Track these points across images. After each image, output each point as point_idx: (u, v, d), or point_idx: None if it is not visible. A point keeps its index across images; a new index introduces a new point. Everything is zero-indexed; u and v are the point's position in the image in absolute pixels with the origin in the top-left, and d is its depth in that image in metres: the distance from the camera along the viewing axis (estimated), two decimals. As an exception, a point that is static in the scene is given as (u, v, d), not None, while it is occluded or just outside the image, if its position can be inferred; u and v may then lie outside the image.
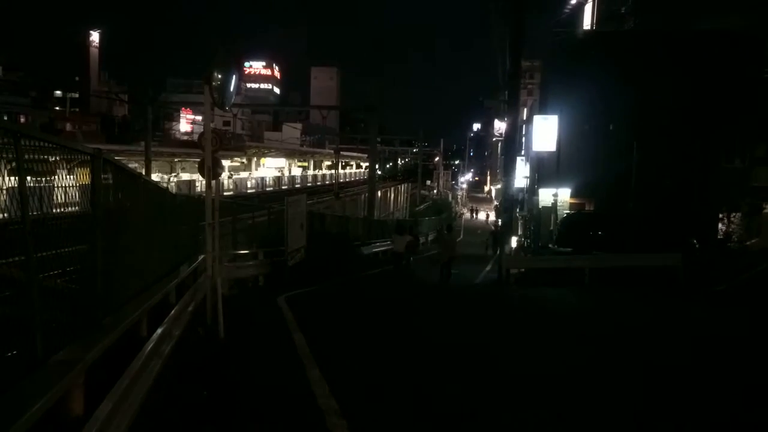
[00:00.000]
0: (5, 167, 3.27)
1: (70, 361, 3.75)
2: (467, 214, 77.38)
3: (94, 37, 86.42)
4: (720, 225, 24.98)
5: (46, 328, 3.66)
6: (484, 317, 12.33)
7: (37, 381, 3.33)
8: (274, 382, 6.53)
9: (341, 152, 59.53)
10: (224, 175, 48.86)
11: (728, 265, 17.26)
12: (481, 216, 73.05)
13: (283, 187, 55.62)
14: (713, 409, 5.89)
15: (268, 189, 52.76)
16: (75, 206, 4.51)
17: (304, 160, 74.86)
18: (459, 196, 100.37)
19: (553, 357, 8.13)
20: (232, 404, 5.69)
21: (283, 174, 65.42)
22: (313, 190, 49.05)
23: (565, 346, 8.88)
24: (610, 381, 6.92)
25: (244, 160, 55.83)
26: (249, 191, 49.38)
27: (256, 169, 62.76)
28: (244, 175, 56.87)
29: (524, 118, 40.98)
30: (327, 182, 64.35)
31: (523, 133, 38.24)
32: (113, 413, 3.84)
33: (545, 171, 28.53)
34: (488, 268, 24.71)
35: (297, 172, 71.44)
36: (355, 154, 77.24)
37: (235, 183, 49.70)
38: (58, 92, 78.08)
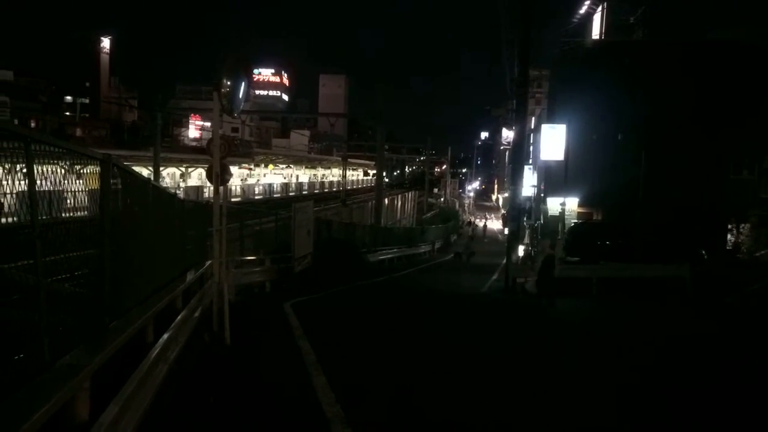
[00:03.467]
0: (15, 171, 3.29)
1: (77, 365, 3.76)
2: (478, 222, 75.78)
3: (105, 43, 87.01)
4: (729, 236, 24.83)
5: (53, 332, 3.66)
6: (492, 325, 12.28)
7: (44, 384, 3.33)
8: (280, 390, 6.51)
9: (348, 159, 59.58)
10: (237, 181, 49.10)
11: (737, 276, 17.12)
12: (490, 225, 71.40)
13: (291, 194, 55.67)
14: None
15: (275, 195, 52.85)
16: (84, 211, 4.53)
17: (312, 167, 75.00)
18: (466, 205, 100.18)
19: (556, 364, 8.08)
20: (236, 412, 5.68)
21: (290, 180, 65.58)
22: (320, 197, 49.10)
23: (567, 352, 8.84)
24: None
25: (252, 165, 56.02)
26: (257, 197, 49.51)
27: (264, 176, 62.92)
28: (251, 181, 57.08)
29: (532, 126, 40.87)
30: (334, 189, 64.39)
31: (531, 141, 38.16)
32: (119, 418, 3.83)
33: (553, 180, 28.46)
34: (494, 276, 24.64)
35: (304, 178, 71.64)
36: (362, 161, 77.10)
37: (242, 189, 49.79)
38: (69, 97, 78.60)
